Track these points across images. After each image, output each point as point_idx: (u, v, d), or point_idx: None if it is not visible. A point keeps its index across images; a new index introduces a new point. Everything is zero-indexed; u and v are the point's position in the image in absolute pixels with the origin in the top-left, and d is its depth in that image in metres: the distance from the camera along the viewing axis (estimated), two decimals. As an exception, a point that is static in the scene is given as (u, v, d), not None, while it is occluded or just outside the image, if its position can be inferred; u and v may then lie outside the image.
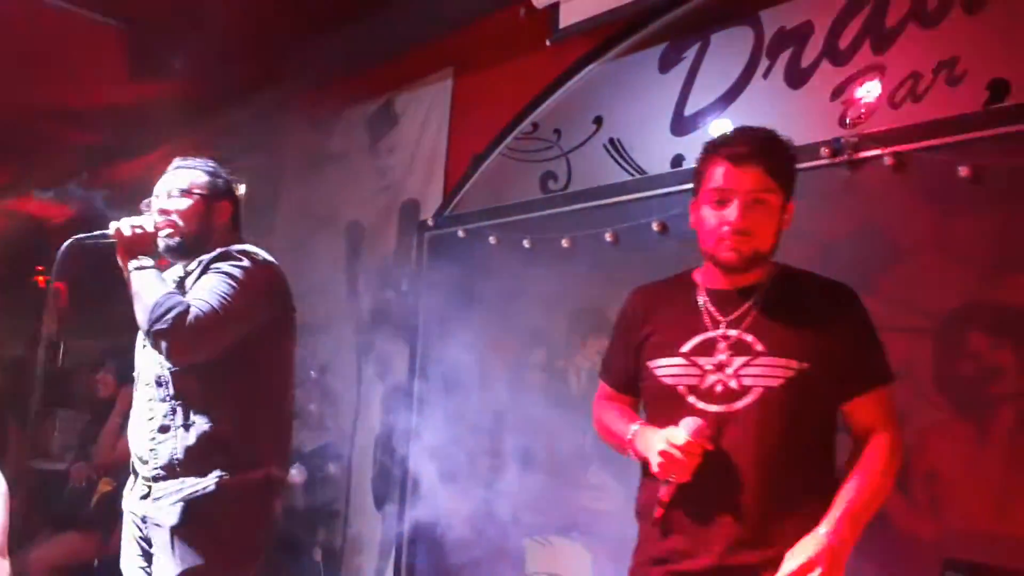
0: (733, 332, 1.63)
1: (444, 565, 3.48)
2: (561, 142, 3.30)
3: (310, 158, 4.80)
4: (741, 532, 1.57)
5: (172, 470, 2.04)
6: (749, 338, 1.62)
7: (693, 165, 2.71)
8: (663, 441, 1.58)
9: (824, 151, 2.38)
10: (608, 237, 2.95)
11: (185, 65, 4.29)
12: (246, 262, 2.10)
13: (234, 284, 2.04)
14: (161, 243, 2.18)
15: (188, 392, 2.07)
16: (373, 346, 4.08)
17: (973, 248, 2.13)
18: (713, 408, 1.60)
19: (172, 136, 5.53)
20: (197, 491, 2.01)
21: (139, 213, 2.20)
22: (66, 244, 2.14)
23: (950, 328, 2.15)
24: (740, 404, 1.59)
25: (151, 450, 2.07)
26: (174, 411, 2.06)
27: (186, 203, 2.20)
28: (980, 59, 2.20)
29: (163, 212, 2.19)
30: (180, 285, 2.16)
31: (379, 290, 4.10)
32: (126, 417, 3.97)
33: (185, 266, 2.23)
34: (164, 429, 2.06)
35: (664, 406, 1.67)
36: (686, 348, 1.66)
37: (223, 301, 2.01)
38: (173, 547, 2.00)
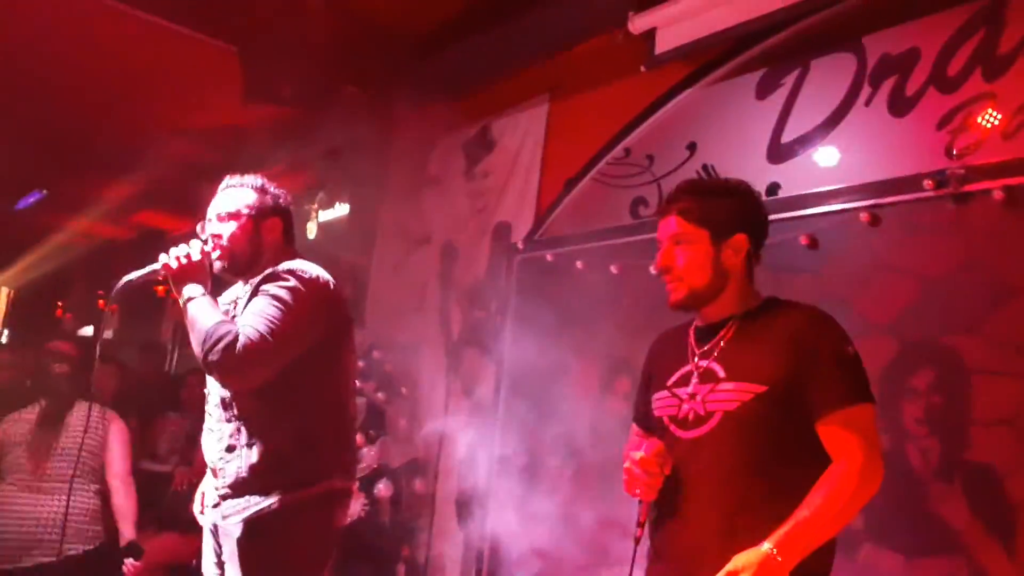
0: (704, 362, 1.73)
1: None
2: (653, 168, 3.27)
3: (410, 181, 4.93)
4: (704, 553, 1.60)
5: (238, 488, 2.10)
6: (715, 366, 1.71)
7: (790, 194, 2.71)
8: (627, 460, 1.70)
9: (927, 183, 2.28)
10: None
11: (294, 88, 4.49)
12: (293, 281, 2.10)
13: (281, 306, 2.05)
14: (215, 266, 2.21)
15: (251, 412, 2.12)
16: (461, 364, 4.13)
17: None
18: (687, 435, 1.70)
19: (280, 157, 5.79)
20: (261, 508, 2.07)
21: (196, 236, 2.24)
22: (118, 286, 2.21)
23: (1063, 374, 2.01)
24: (705, 429, 1.67)
25: (220, 468, 2.14)
26: (239, 431, 2.12)
27: (234, 225, 2.23)
28: (1103, 88, 2.06)
29: (214, 236, 2.22)
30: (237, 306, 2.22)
31: (469, 310, 4.16)
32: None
33: (243, 285, 2.27)
34: (230, 448, 2.13)
35: (658, 436, 1.77)
36: (670, 381, 1.79)
37: (271, 326, 2.02)
38: (240, 560, 2.07)
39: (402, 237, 4.85)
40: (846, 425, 1.59)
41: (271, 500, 2.07)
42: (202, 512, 2.29)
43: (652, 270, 1.96)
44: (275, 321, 2.03)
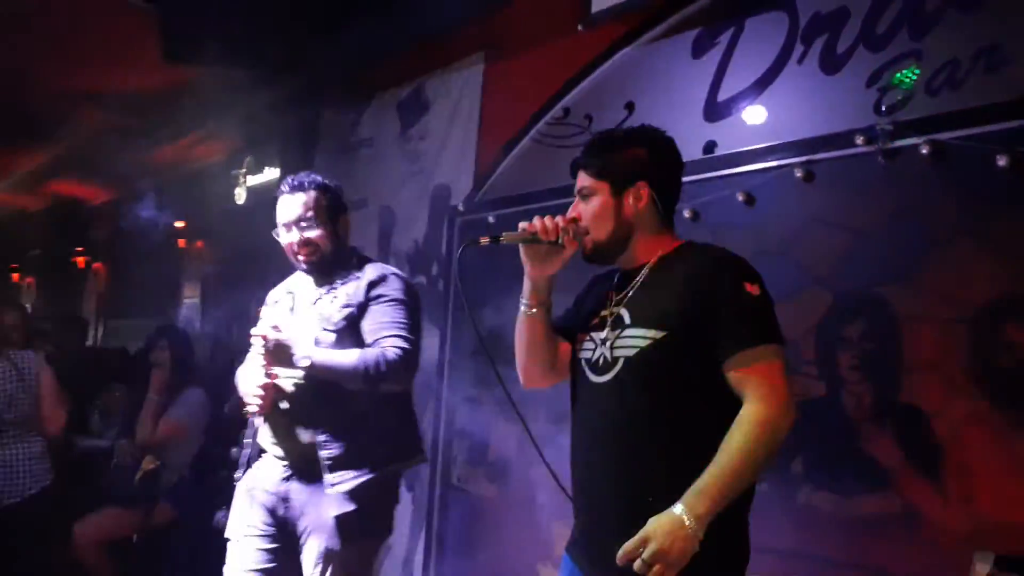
0: (616, 308, 1.75)
1: (473, 546, 3.54)
2: (592, 128, 3.29)
3: (342, 143, 4.84)
4: (608, 500, 1.66)
5: (341, 462, 2.28)
6: (623, 312, 1.72)
7: (726, 151, 2.77)
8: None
9: (859, 139, 2.35)
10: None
11: (217, 49, 4.34)
12: (401, 283, 2.40)
13: (405, 308, 2.34)
14: (303, 266, 2.44)
15: (346, 396, 2.28)
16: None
17: (1011, 239, 2.10)
18: (596, 379, 1.72)
19: (205, 120, 5.60)
20: (359, 481, 2.27)
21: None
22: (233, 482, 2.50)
23: (986, 319, 2.12)
24: (610, 375, 1.69)
25: (321, 444, 2.28)
26: (334, 414, 2.29)
27: (316, 230, 2.39)
28: (1021, 46, 2.15)
29: (302, 241, 2.40)
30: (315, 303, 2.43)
31: (410, 275, 4.13)
32: (161, 397, 4.07)
33: (319, 283, 2.46)
34: (332, 425, 2.29)
35: (573, 374, 1.83)
36: (590, 324, 1.80)
37: (409, 327, 2.32)
38: (337, 527, 2.26)
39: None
40: (750, 368, 1.56)
41: (366, 474, 2.28)
42: (256, 486, 2.41)
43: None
44: (408, 322, 2.32)
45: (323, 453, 2.28)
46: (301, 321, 2.38)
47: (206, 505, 3.98)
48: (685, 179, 2.80)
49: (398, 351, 2.24)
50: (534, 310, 1.82)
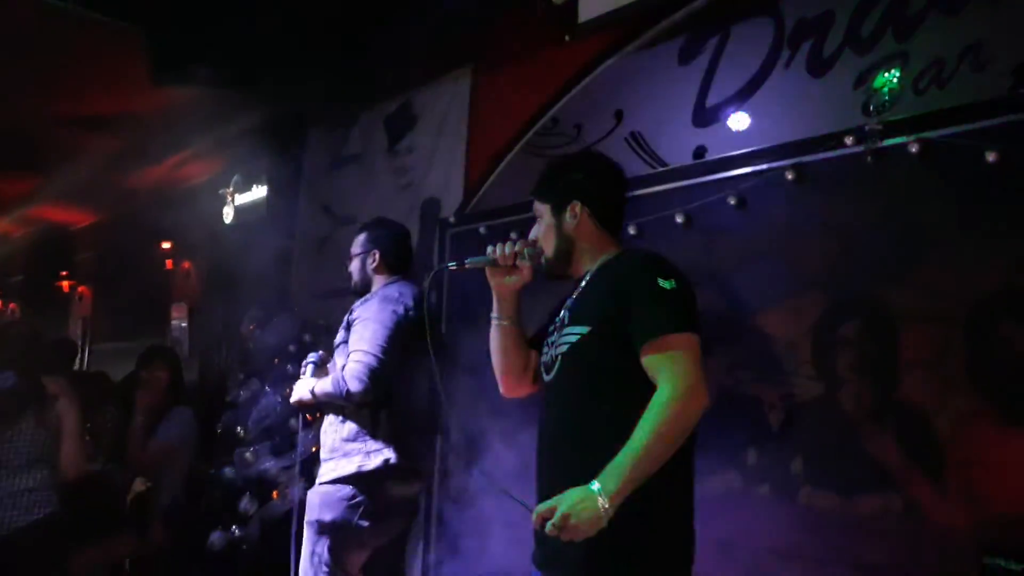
0: (564, 313, 1.93)
1: (470, 558, 3.51)
2: (582, 137, 3.30)
3: (330, 160, 4.83)
4: (553, 483, 1.75)
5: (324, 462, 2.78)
6: (566, 314, 1.91)
7: (716, 156, 2.78)
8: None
9: (848, 140, 2.37)
10: (631, 230, 2.95)
11: (205, 71, 4.33)
12: (380, 304, 2.76)
13: (375, 326, 2.67)
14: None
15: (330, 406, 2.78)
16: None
17: (1003, 233, 2.11)
18: (547, 378, 1.93)
19: (192, 140, 5.58)
20: (328, 477, 2.71)
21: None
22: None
23: (981, 315, 2.13)
24: (553, 372, 1.90)
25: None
26: (324, 420, 2.81)
27: (352, 262, 3.00)
28: (1005, 44, 2.18)
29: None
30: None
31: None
32: (149, 416, 4.03)
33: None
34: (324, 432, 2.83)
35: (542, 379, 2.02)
36: (548, 331, 2.00)
37: (374, 344, 2.63)
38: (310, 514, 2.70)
39: (325, 216, 4.77)
40: (660, 353, 1.69)
41: (339, 472, 2.69)
42: None
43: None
44: (375, 339, 2.66)
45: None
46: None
47: (200, 527, 3.94)
48: (676, 184, 2.89)
49: (355, 367, 2.58)
50: (504, 322, 2.04)
